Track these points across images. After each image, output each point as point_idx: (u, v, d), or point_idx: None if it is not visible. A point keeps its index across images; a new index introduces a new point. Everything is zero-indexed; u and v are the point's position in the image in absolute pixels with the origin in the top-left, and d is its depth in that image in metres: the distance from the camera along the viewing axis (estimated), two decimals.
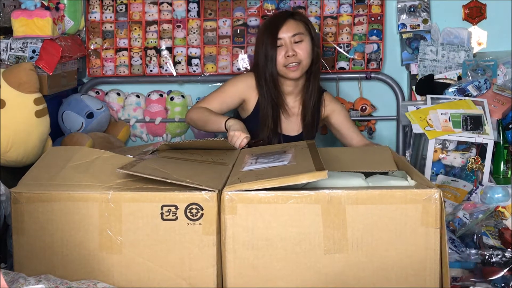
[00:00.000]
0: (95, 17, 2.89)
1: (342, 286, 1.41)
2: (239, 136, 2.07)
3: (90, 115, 2.68)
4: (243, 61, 2.86)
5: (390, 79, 2.86)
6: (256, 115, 2.37)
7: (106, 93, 2.94)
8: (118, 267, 1.45)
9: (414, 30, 2.83)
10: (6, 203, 1.68)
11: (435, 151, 2.37)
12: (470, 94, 2.52)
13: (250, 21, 2.85)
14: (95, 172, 1.54)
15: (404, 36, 2.85)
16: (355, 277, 1.40)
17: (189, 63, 2.87)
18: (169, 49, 2.88)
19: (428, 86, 2.70)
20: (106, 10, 2.89)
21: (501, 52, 2.75)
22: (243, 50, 2.86)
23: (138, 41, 2.89)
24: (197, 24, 2.87)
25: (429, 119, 2.38)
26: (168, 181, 1.42)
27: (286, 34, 2.30)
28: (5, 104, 2.01)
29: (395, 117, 2.89)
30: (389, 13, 2.87)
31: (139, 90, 2.97)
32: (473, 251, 1.69)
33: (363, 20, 2.84)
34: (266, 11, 2.82)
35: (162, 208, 1.42)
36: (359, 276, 1.40)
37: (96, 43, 2.89)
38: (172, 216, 1.42)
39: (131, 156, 1.69)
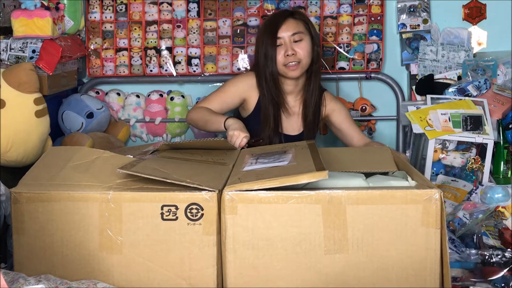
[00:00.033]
0: (95, 17, 2.89)
1: (342, 286, 1.41)
2: (238, 136, 2.07)
3: (90, 115, 2.68)
4: (243, 61, 2.86)
5: (390, 79, 2.86)
6: (257, 114, 2.37)
7: (106, 93, 2.94)
8: (118, 267, 1.45)
9: (414, 30, 2.83)
10: (6, 203, 1.68)
11: (435, 151, 2.37)
12: (470, 94, 2.52)
13: (250, 21, 2.85)
14: (95, 172, 1.54)
15: (404, 36, 2.85)
16: (356, 277, 1.40)
17: (189, 63, 2.87)
18: (169, 49, 2.88)
19: (428, 86, 2.70)
20: (106, 10, 2.89)
21: (501, 52, 2.75)
22: (243, 50, 2.86)
23: (138, 41, 2.89)
24: (197, 24, 2.87)
25: (429, 119, 2.38)
26: (168, 181, 1.42)
27: (285, 33, 2.30)
28: (5, 104, 2.01)
29: (395, 117, 2.89)
30: (389, 13, 2.87)
31: (139, 90, 2.97)
32: (473, 251, 1.69)
33: (363, 20, 2.84)
34: (266, 11, 2.82)
35: (162, 208, 1.42)
36: (359, 276, 1.40)
37: (96, 43, 2.89)
38: (172, 216, 1.42)
39: (131, 156, 1.69)
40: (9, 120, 2.00)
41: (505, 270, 1.62)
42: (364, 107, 2.89)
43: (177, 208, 1.41)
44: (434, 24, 2.84)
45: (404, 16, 2.83)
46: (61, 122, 2.70)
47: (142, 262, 1.44)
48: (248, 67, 2.83)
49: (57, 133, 2.65)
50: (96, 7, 2.89)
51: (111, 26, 2.90)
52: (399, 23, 2.84)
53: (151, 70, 2.89)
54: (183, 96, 2.93)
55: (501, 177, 2.45)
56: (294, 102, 2.42)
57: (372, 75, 2.85)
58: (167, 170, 1.50)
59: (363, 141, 2.39)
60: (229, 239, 1.41)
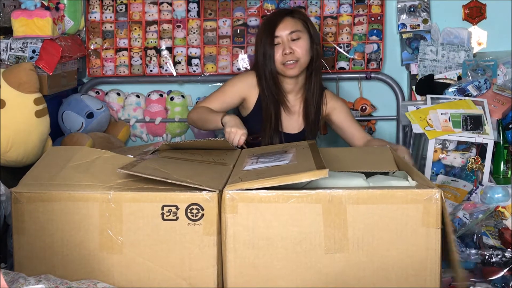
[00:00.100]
0: (95, 17, 2.89)
1: (342, 286, 1.41)
2: (235, 133, 2.07)
3: (90, 115, 2.68)
4: (243, 61, 2.86)
5: (390, 79, 2.86)
6: (256, 113, 2.37)
7: (106, 93, 2.94)
8: (119, 267, 1.45)
9: (414, 30, 2.83)
10: (6, 203, 1.68)
11: (435, 151, 2.37)
12: (470, 94, 2.52)
13: (250, 21, 2.85)
14: (95, 172, 1.54)
15: (404, 36, 2.85)
16: (356, 277, 1.41)
17: (189, 63, 2.87)
18: (169, 49, 2.88)
19: (428, 86, 2.70)
20: (106, 10, 2.89)
21: (501, 52, 2.75)
22: (243, 50, 2.86)
23: (138, 41, 2.89)
24: (197, 24, 2.87)
25: (429, 119, 2.38)
26: (168, 181, 1.43)
27: (283, 32, 2.30)
28: (5, 104, 2.01)
29: (395, 117, 2.89)
30: (389, 13, 2.87)
31: (139, 90, 2.97)
32: (473, 251, 1.69)
33: (363, 20, 2.84)
34: (266, 11, 2.82)
35: (162, 208, 1.42)
36: (359, 276, 1.40)
37: (96, 43, 2.89)
38: (173, 216, 1.42)
39: (132, 156, 1.69)
40: (9, 120, 2.00)
41: (505, 270, 1.62)
42: (364, 107, 2.89)
43: (177, 208, 1.41)
44: (434, 24, 2.84)
45: (404, 16, 2.83)
46: (61, 122, 2.69)
47: (142, 262, 1.44)
48: (248, 67, 2.83)
49: (57, 133, 2.65)
50: (96, 7, 2.89)
51: (111, 26, 2.89)
52: (399, 23, 2.84)
53: (151, 70, 2.89)
54: (183, 96, 2.93)
55: (501, 177, 2.45)
56: (294, 101, 2.42)
57: (372, 75, 2.85)
58: (168, 170, 1.50)
59: (364, 139, 2.38)
60: (230, 238, 1.41)
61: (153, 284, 1.45)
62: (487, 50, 2.83)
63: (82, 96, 2.76)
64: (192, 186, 1.41)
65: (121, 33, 2.89)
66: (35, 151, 2.11)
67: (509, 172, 2.47)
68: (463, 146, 2.38)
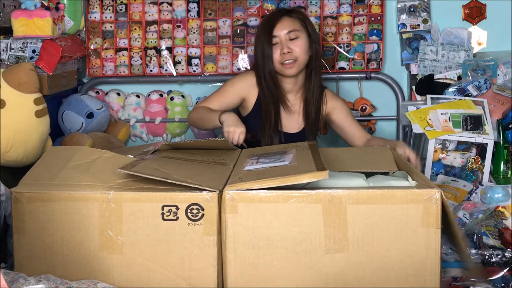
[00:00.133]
0: (95, 17, 2.89)
1: (342, 286, 1.41)
2: (234, 132, 2.07)
3: (90, 115, 2.68)
4: (243, 61, 2.86)
5: (390, 79, 2.86)
6: (256, 113, 2.37)
7: (106, 93, 2.94)
8: (119, 267, 1.45)
9: (414, 30, 2.83)
10: (6, 203, 1.68)
11: (435, 151, 2.37)
12: (470, 94, 2.52)
13: (250, 21, 2.85)
14: (95, 172, 1.54)
15: (404, 36, 2.85)
16: (356, 277, 1.40)
17: (189, 63, 2.87)
18: (169, 49, 2.88)
19: (428, 86, 2.70)
20: (106, 10, 2.89)
21: (501, 52, 2.75)
22: (243, 50, 2.86)
23: (138, 41, 2.89)
24: (197, 24, 2.87)
25: (429, 119, 2.38)
26: (168, 181, 1.42)
27: (281, 31, 2.30)
28: (5, 104, 2.01)
29: (395, 117, 2.89)
30: (389, 13, 2.87)
31: (139, 90, 2.97)
32: (473, 251, 1.69)
33: (363, 20, 2.84)
34: (266, 11, 2.82)
35: (163, 208, 1.42)
36: (359, 276, 1.40)
37: (96, 43, 2.89)
38: (173, 216, 1.42)
39: (132, 156, 1.69)
40: (9, 120, 2.00)
41: (505, 270, 1.62)
42: (364, 107, 2.89)
43: (177, 208, 1.41)
44: (434, 24, 2.84)
45: (404, 16, 2.83)
46: (61, 122, 2.69)
47: (142, 262, 1.44)
48: (248, 67, 2.83)
49: (57, 133, 2.65)
50: (96, 7, 2.89)
51: (111, 26, 2.89)
52: (399, 23, 2.84)
53: (151, 70, 2.89)
54: (183, 96, 2.93)
55: (501, 177, 2.45)
56: (294, 100, 2.42)
57: (372, 75, 2.85)
58: (168, 170, 1.50)
59: (364, 138, 2.38)
60: (230, 238, 1.41)
61: (153, 284, 1.45)
62: (487, 50, 2.83)
63: (82, 96, 2.76)
64: (192, 186, 1.41)
65: (121, 33, 2.89)
66: (35, 151, 2.11)
67: (509, 172, 2.47)
68: (463, 146, 2.38)
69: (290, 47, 2.29)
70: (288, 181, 1.38)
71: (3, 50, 2.41)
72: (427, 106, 2.45)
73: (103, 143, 2.55)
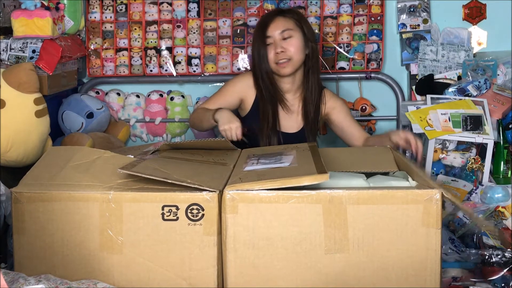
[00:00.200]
0: (95, 17, 2.89)
1: (342, 286, 1.41)
2: (230, 129, 2.09)
3: (90, 115, 2.68)
4: (243, 61, 2.86)
5: (390, 79, 2.86)
6: (254, 113, 2.37)
7: (106, 93, 2.94)
8: (119, 267, 1.45)
9: (414, 30, 2.83)
10: (6, 203, 1.68)
11: (435, 151, 2.37)
12: (470, 94, 2.52)
13: (250, 21, 2.85)
14: (95, 172, 1.54)
15: (404, 36, 2.85)
16: (356, 277, 1.40)
17: (189, 63, 2.87)
18: (169, 49, 2.88)
19: (428, 86, 2.70)
20: (106, 10, 2.89)
21: (501, 52, 2.75)
22: (243, 50, 2.86)
23: (138, 41, 2.89)
24: (197, 24, 2.87)
25: (429, 119, 2.38)
26: (169, 181, 1.42)
27: (274, 31, 2.31)
28: (5, 104, 2.01)
29: (395, 117, 2.89)
30: (389, 13, 2.87)
31: (139, 90, 2.97)
32: (473, 251, 1.70)
33: (363, 20, 2.84)
34: (266, 11, 2.82)
35: (163, 209, 1.42)
36: (359, 276, 1.40)
37: (96, 43, 2.89)
38: (173, 216, 1.42)
39: (132, 156, 1.69)
40: (9, 120, 2.00)
41: (505, 270, 1.62)
42: (364, 107, 2.89)
43: (177, 209, 1.41)
44: (434, 24, 2.84)
45: (404, 16, 2.83)
46: (61, 122, 2.69)
47: (142, 262, 1.44)
48: (248, 67, 2.83)
49: (57, 133, 2.65)
50: (96, 7, 2.89)
51: (111, 26, 2.89)
52: (399, 23, 2.84)
53: (151, 70, 2.89)
54: (183, 96, 2.93)
55: (501, 177, 2.45)
56: (293, 100, 2.42)
57: (372, 75, 2.85)
58: (168, 170, 1.50)
59: (363, 138, 2.38)
60: (230, 238, 1.41)
61: (153, 284, 1.45)
62: (487, 50, 2.83)
63: (82, 96, 2.76)
64: (193, 186, 1.41)
65: (121, 33, 2.89)
66: (35, 151, 2.11)
67: (509, 172, 2.47)
68: (463, 146, 2.38)
69: (284, 47, 2.30)
70: (288, 183, 1.38)
71: (3, 50, 2.41)
72: (427, 106, 2.45)
73: (103, 143, 2.55)
